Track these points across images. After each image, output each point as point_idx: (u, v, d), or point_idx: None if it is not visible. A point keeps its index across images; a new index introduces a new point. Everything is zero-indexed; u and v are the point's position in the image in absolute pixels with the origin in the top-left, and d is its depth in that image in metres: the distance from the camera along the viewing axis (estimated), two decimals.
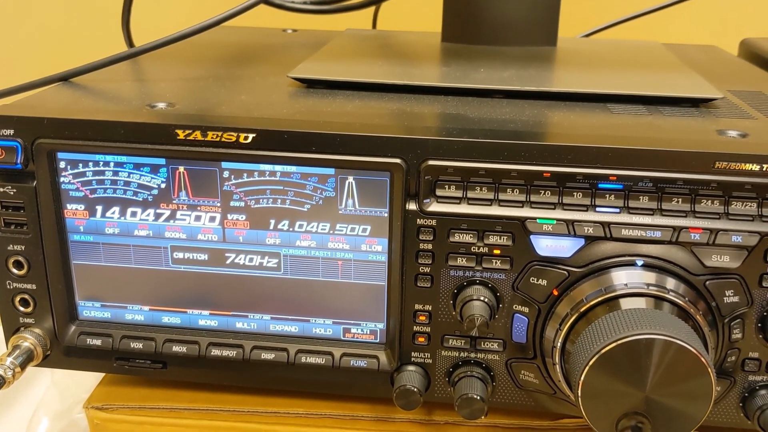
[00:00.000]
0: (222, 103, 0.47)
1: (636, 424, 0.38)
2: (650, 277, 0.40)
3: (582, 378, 0.38)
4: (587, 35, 0.85)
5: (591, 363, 0.37)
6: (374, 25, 0.87)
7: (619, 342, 0.37)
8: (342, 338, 0.46)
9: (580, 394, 0.38)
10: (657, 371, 0.37)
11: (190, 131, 0.42)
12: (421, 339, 0.45)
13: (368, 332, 0.46)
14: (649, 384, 0.37)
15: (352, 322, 0.46)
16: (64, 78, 0.52)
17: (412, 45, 0.66)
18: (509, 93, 0.50)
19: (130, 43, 0.74)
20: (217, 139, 0.42)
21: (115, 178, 0.44)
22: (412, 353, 0.45)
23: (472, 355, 0.45)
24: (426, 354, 0.45)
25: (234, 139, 0.42)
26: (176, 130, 0.42)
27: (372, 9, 0.85)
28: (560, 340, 0.41)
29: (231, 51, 0.67)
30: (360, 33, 0.71)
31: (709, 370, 0.37)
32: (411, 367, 0.45)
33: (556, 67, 0.58)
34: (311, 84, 0.52)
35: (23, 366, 0.46)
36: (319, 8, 0.77)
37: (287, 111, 0.46)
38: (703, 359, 0.37)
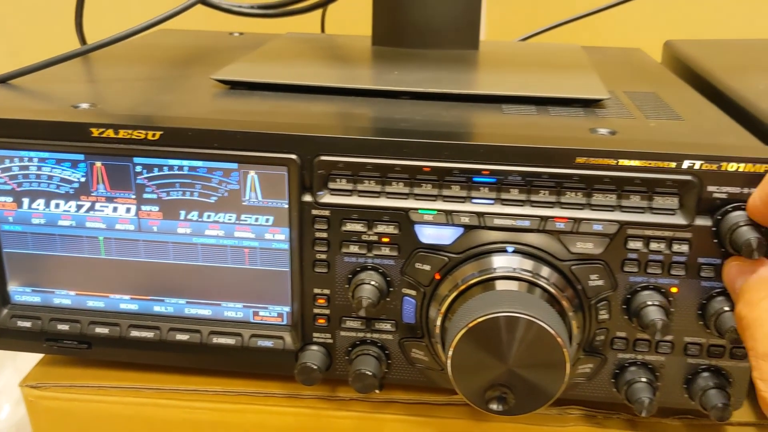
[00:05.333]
0: (142, 103, 0.51)
1: (500, 394, 0.42)
2: (520, 262, 0.44)
3: (452, 351, 0.42)
4: (526, 38, 0.89)
5: (459, 336, 0.41)
6: (323, 29, 0.91)
7: (482, 318, 0.41)
8: (252, 321, 0.50)
9: (450, 365, 0.42)
10: (519, 347, 0.41)
11: (104, 129, 0.46)
12: (322, 321, 0.48)
13: (276, 315, 0.50)
14: (511, 358, 0.41)
15: (261, 305, 0.50)
16: (3, 80, 0.56)
17: (342, 48, 0.70)
18: (414, 94, 0.54)
19: (83, 43, 0.78)
20: (128, 136, 0.46)
21: (39, 172, 0.48)
22: (314, 334, 0.49)
23: (369, 335, 0.48)
24: (327, 334, 0.49)
25: (143, 136, 0.46)
26: (91, 129, 0.46)
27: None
28: (440, 319, 0.45)
29: (172, 53, 0.70)
30: (297, 36, 0.75)
31: (564, 349, 0.41)
32: (314, 347, 0.49)
33: (467, 70, 0.61)
34: (234, 85, 0.56)
35: None
36: (263, 12, 0.80)
37: (200, 110, 0.50)
38: (558, 339, 0.41)
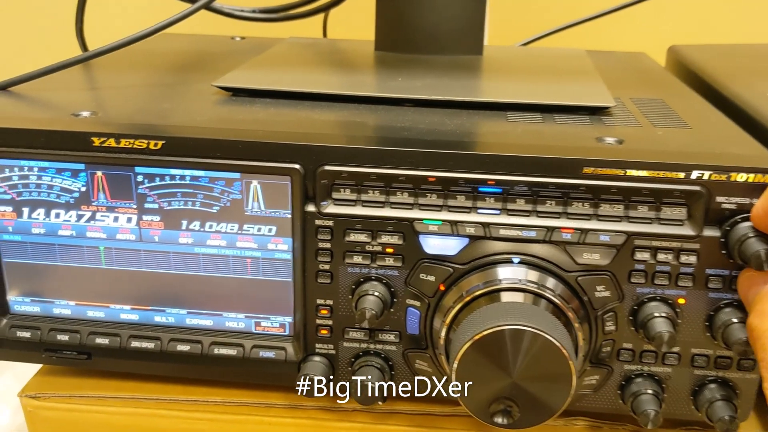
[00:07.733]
0: (143, 111, 0.51)
1: (505, 407, 0.41)
2: (525, 273, 0.44)
3: (456, 364, 0.41)
4: (528, 42, 0.88)
5: (464, 349, 0.41)
6: (325, 33, 0.90)
7: (488, 331, 0.40)
8: (254, 331, 0.49)
9: (454, 378, 0.41)
10: (524, 360, 0.40)
11: (105, 138, 0.45)
12: (324, 331, 0.48)
13: (278, 325, 0.49)
14: (517, 371, 0.41)
15: (262, 316, 0.49)
16: (3, 87, 0.55)
17: (344, 54, 0.70)
18: (418, 102, 0.54)
19: (84, 49, 0.77)
20: (130, 145, 0.45)
21: (39, 182, 0.47)
22: (317, 345, 0.48)
23: (372, 346, 0.48)
24: (329, 345, 0.48)
25: (145, 145, 0.45)
26: (92, 138, 0.45)
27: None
28: (444, 331, 0.44)
29: (173, 59, 0.70)
30: (299, 41, 0.74)
31: (570, 362, 0.40)
32: (316, 358, 0.49)
33: (472, 77, 0.61)
34: (236, 92, 0.56)
35: None
36: (265, 16, 0.80)
37: (201, 119, 0.49)
38: (564, 351, 0.40)
